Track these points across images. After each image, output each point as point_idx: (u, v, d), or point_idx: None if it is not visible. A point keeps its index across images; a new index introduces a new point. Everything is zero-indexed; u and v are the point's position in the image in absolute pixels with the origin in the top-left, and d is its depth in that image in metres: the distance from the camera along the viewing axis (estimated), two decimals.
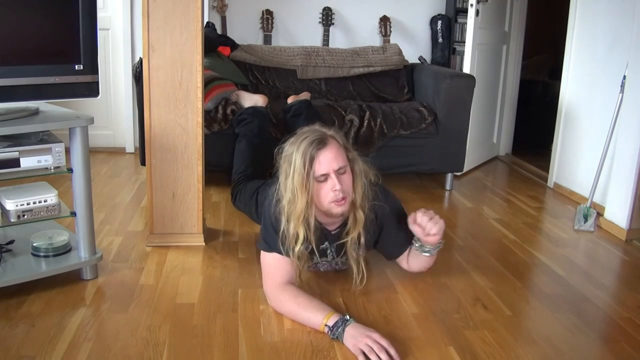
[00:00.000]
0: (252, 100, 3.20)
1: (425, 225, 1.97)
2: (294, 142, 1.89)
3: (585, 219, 2.96)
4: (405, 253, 2.15)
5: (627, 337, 1.89)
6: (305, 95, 3.43)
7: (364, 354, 1.67)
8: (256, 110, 3.13)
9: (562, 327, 1.94)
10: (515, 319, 1.98)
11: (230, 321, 1.88)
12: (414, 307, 2.03)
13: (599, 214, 3.01)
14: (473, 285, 2.21)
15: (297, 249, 1.91)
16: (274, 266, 1.97)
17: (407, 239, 2.10)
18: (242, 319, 1.89)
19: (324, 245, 2.05)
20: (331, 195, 1.86)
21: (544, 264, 2.48)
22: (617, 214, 2.91)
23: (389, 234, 2.10)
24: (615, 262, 2.61)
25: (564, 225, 3.01)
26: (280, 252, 1.95)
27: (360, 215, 1.96)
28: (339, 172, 1.87)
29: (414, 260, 2.15)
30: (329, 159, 1.85)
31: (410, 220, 2.01)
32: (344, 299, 2.06)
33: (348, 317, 1.79)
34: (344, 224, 2.01)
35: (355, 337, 1.72)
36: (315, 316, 1.82)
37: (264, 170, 2.88)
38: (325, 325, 1.78)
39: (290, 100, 3.40)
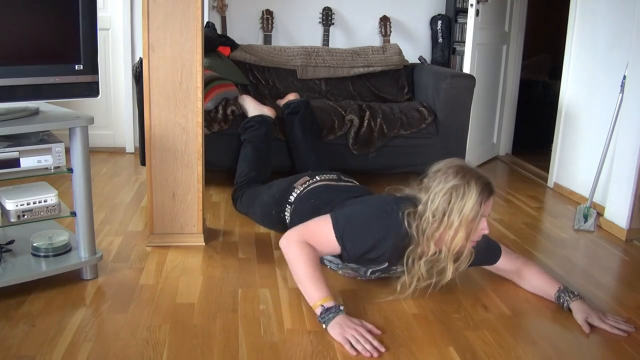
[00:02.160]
0: (259, 109, 3.17)
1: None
2: (461, 174, 1.87)
3: (585, 219, 2.96)
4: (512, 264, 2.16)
5: (627, 337, 1.89)
6: (293, 96, 3.41)
7: (350, 343, 1.72)
8: (264, 118, 3.12)
9: (562, 327, 1.94)
10: (515, 319, 1.98)
11: (230, 321, 1.88)
12: (414, 307, 2.03)
13: (599, 214, 3.01)
14: (473, 285, 2.21)
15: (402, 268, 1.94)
16: (324, 236, 1.92)
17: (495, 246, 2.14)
18: (242, 319, 1.89)
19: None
20: (477, 234, 1.90)
21: (544, 264, 2.48)
22: (617, 214, 2.91)
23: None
24: (615, 262, 2.61)
25: (564, 225, 3.01)
26: (340, 234, 1.90)
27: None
28: None
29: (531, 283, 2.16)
30: (490, 205, 1.90)
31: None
32: (343, 298, 2.06)
33: (342, 307, 1.84)
34: None
35: (342, 325, 1.77)
36: (316, 291, 1.85)
37: (267, 174, 2.89)
38: (321, 305, 1.82)
39: (280, 102, 3.41)
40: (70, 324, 1.81)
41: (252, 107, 3.18)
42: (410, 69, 4.01)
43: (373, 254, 1.94)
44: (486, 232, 1.90)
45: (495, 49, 4.16)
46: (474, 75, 3.51)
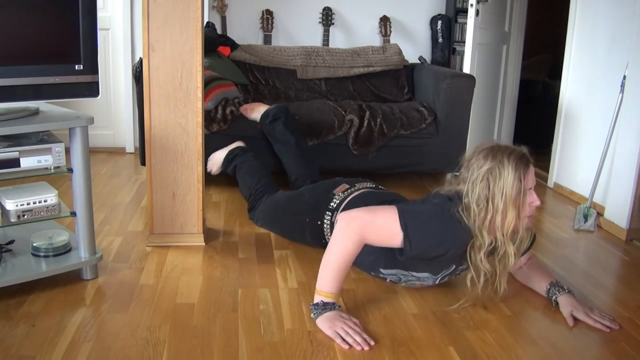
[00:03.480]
0: (227, 149, 3.02)
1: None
2: (491, 155, 1.85)
3: (585, 219, 2.96)
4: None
5: (627, 337, 1.89)
6: (262, 107, 3.25)
7: (340, 337, 1.75)
8: (239, 147, 3.02)
9: (562, 327, 1.94)
10: (515, 319, 1.98)
11: (230, 321, 1.88)
12: (414, 307, 2.03)
13: (599, 214, 3.01)
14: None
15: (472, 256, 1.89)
16: (388, 225, 1.85)
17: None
18: (242, 319, 1.89)
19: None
20: (528, 210, 1.87)
21: (544, 264, 2.48)
22: (617, 214, 2.91)
23: None
24: (615, 262, 2.61)
25: (564, 225, 3.01)
26: (403, 228, 1.84)
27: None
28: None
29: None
30: (532, 175, 1.88)
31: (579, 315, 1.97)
32: (343, 298, 2.06)
33: (338, 307, 1.86)
34: None
35: (331, 319, 1.80)
36: (330, 283, 1.85)
37: (275, 185, 2.79)
38: (322, 298, 1.84)
39: (246, 111, 3.26)
40: (70, 324, 1.81)
41: (220, 153, 3.02)
42: (410, 69, 4.01)
43: (438, 250, 1.89)
44: (537, 203, 1.87)
45: (495, 49, 4.16)
46: (474, 75, 3.51)
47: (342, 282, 1.89)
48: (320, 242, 2.35)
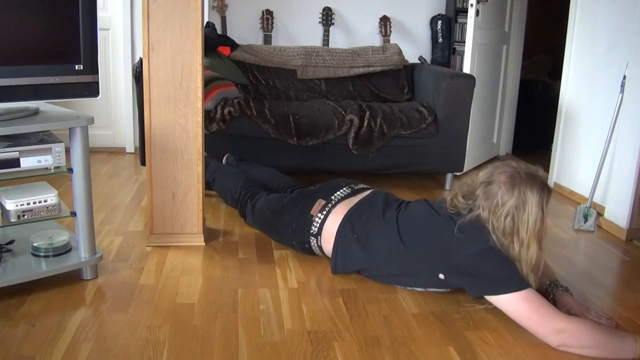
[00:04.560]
0: None
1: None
2: (516, 190, 1.85)
3: (585, 219, 2.96)
4: None
5: None
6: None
7: None
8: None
9: None
10: None
11: (230, 321, 1.88)
12: (414, 307, 2.03)
13: (599, 214, 3.01)
14: None
15: None
16: (542, 300, 1.78)
17: None
18: (242, 319, 1.89)
19: None
20: (544, 238, 1.91)
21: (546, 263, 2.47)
22: (617, 214, 2.91)
23: None
24: (615, 262, 2.61)
25: (564, 225, 3.01)
26: (529, 284, 1.82)
27: None
28: None
29: None
30: (550, 201, 1.90)
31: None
32: (343, 298, 2.06)
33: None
34: None
35: None
36: (625, 339, 1.74)
37: (256, 181, 2.79)
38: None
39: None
40: (70, 324, 1.81)
41: None
42: (410, 69, 4.01)
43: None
44: (545, 233, 1.91)
45: (495, 49, 4.15)
46: (474, 75, 3.51)
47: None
48: (312, 255, 2.37)
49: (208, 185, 2.91)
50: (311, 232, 2.27)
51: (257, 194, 2.65)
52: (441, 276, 1.98)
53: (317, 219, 2.26)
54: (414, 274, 2.07)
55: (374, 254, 2.11)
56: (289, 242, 2.42)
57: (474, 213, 1.92)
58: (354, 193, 2.33)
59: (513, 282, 1.81)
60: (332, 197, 2.30)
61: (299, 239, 2.34)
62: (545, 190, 1.88)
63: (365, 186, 2.41)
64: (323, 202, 2.29)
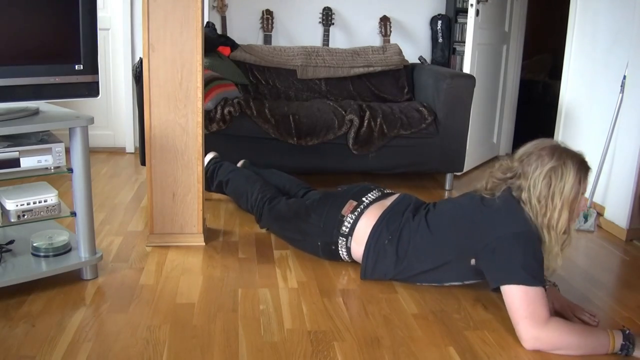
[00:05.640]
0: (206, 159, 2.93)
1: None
2: (556, 154, 1.87)
3: (585, 219, 2.96)
4: None
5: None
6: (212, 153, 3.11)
7: None
8: (213, 160, 3.00)
9: None
10: None
11: (230, 321, 1.88)
12: (414, 307, 2.03)
13: (599, 214, 3.01)
14: (473, 286, 2.20)
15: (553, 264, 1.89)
16: (540, 302, 1.76)
17: None
18: (242, 319, 1.89)
19: None
20: (576, 215, 1.90)
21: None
22: (617, 214, 2.91)
23: None
24: (615, 262, 2.61)
25: None
26: (543, 283, 1.80)
27: None
28: None
29: None
30: (587, 182, 1.90)
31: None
32: (343, 298, 2.06)
33: (627, 331, 1.78)
34: None
35: None
36: (600, 338, 1.76)
37: (272, 185, 2.73)
38: (616, 345, 1.75)
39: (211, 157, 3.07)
40: (70, 324, 1.81)
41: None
42: (410, 69, 4.01)
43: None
44: (584, 209, 1.91)
45: (495, 49, 4.15)
46: (474, 75, 3.51)
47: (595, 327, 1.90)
48: (334, 260, 2.34)
49: (220, 187, 2.89)
50: (341, 232, 2.23)
51: (275, 198, 2.60)
52: (472, 262, 1.97)
53: (349, 219, 2.22)
54: (446, 265, 2.05)
55: (405, 254, 2.09)
56: (313, 243, 2.35)
57: (511, 183, 1.92)
58: (384, 196, 2.30)
59: (529, 273, 1.78)
60: (364, 199, 2.27)
61: (326, 240, 2.28)
62: (584, 165, 1.88)
63: (392, 191, 2.38)
64: (354, 202, 2.26)
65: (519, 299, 1.77)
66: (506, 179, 1.96)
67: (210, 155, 3.03)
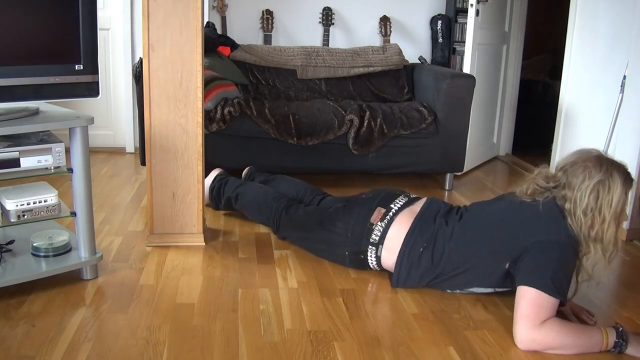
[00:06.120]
0: (209, 178, 2.89)
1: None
2: (603, 167, 1.85)
3: None
4: None
5: None
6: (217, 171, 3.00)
7: None
8: (219, 176, 2.90)
9: None
10: None
11: (230, 321, 1.88)
12: (414, 307, 2.03)
13: None
14: None
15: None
16: (549, 310, 1.77)
17: None
18: (242, 319, 1.89)
19: None
20: (621, 225, 1.91)
21: None
22: None
23: None
24: (615, 262, 2.60)
25: None
26: (563, 298, 1.81)
27: None
28: None
29: None
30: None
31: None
32: (343, 298, 2.06)
33: (620, 328, 1.80)
34: None
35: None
36: (594, 336, 1.78)
37: (277, 195, 2.64)
38: (611, 342, 1.77)
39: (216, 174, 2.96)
40: (70, 324, 1.81)
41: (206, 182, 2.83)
42: (410, 69, 4.01)
43: (570, 276, 1.89)
44: (627, 219, 1.91)
45: (495, 49, 4.15)
46: (474, 75, 3.51)
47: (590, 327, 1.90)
48: (360, 269, 2.29)
49: (229, 204, 2.78)
50: (371, 240, 2.17)
51: (291, 206, 2.53)
52: (507, 266, 1.94)
53: (378, 227, 2.16)
54: (480, 269, 2.02)
55: (440, 260, 2.05)
56: (339, 253, 2.28)
57: (554, 193, 1.91)
58: (411, 201, 2.25)
59: (555, 284, 1.78)
60: (392, 206, 2.21)
61: (354, 249, 2.22)
62: (629, 177, 1.88)
63: (418, 195, 2.33)
64: (383, 210, 2.20)
65: (531, 301, 1.77)
66: (549, 188, 1.94)
67: (214, 173, 2.91)
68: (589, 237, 1.85)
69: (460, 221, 2.09)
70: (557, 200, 1.90)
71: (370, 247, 2.18)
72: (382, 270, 2.23)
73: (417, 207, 2.21)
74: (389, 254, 2.15)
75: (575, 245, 1.86)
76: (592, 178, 1.84)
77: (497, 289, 2.05)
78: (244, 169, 3.06)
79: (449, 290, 2.13)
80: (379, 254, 2.17)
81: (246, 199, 2.73)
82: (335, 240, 2.28)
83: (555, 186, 1.92)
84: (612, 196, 1.82)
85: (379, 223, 2.17)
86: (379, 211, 2.20)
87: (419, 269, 2.09)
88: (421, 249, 2.08)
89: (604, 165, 1.85)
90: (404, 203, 2.22)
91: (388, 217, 2.17)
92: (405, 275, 2.12)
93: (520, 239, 1.90)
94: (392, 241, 2.14)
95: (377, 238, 2.16)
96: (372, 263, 2.21)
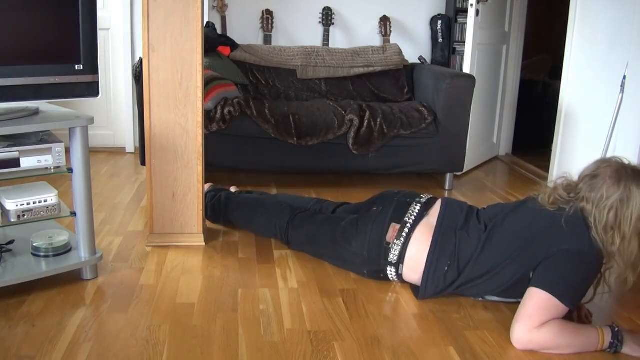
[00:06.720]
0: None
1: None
2: (622, 183, 1.82)
3: None
4: None
5: None
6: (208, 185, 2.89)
7: None
8: (212, 189, 2.83)
9: None
10: None
11: (230, 321, 1.88)
12: (414, 307, 2.03)
13: None
14: None
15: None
16: (554, 315, 1.77)
17: None
18: (242, 319, 1.89)
19: None
20: None
21: None
22: None
23: None
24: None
25: None
26: (573, 307, 1.81)
27: None
28: None
29: None
30: None
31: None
32: (343, 298, 2.06)
33: (616, 327, 1.80)
34: None
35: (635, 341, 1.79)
36: (591, 336, 1.78)
37: (278, 204, 2.56)
38: (607, 343, 1.78)
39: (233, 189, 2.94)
40: (70, 324, 1.81)
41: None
42: (410, 69, 4.01)
43: (587, 289, 1.88)
44: None
45: (495, 49, 4.16)
46: (474, 75, 3.51)
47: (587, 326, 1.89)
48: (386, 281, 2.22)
49: (227, 219, 2.69)
50: (389, 261, 2.10)
51: (296, 216, 2.44)
52: (531, 274, 1.90)
53: (396, 247, 2.08)
54: (505, 276, 1.96)
55: (464, 270, 2.01)
56: (358, 270, 2.24)
57: (577, 205, 1.88)
58: (425, 209, 2.15)
59: (570, 293, 1.77)
60: (406, 219, 2.11)
61: (373, 268, 2.16)
62: None
63: (428, 195, 2.23)
64: (397, 226, 2.10)
65: (539, 304, 1.77)
66: (571, 200, 1.91)
67: (206, 188, 2.75)
68: (612, 254, 1.84)
69: (485, 232, 2.02)
70: (581, 212, 1.87)
71: (389, 267, 2.11)
72: (404, 283, 2.17)
73: (433, 218, 2.11)
74: (411, 272, 2.09)
75: (599, 258, 1.84)
76: (610, 196, 1.81)
77: (519, 300, 1.92)
78: (243, 169, 3.03)
79: (472, 298, 2.09)
80: (400, 272, 2.11)
81: (245, 213, 2.63)
82: (352, 260, 2.22)
83: (576, 198, 1.90)
84: (632, 213, 1.80)
85: (395, 241, 2.09)
86: (394, 228, 2.10)
87: (446, 283, 2.04)
88: (446, 268, 2.01)
89: (622, 180, 1.82)
90: (417, 214, 2.12)
91: (404, 234, 2.08)
92: (432, 291, 2.06)
93: (545, 248, 1.88)
94: (412, 261, 2.07)
95: (395, 258, 2.09)
96: (392, 278, 2.16)
